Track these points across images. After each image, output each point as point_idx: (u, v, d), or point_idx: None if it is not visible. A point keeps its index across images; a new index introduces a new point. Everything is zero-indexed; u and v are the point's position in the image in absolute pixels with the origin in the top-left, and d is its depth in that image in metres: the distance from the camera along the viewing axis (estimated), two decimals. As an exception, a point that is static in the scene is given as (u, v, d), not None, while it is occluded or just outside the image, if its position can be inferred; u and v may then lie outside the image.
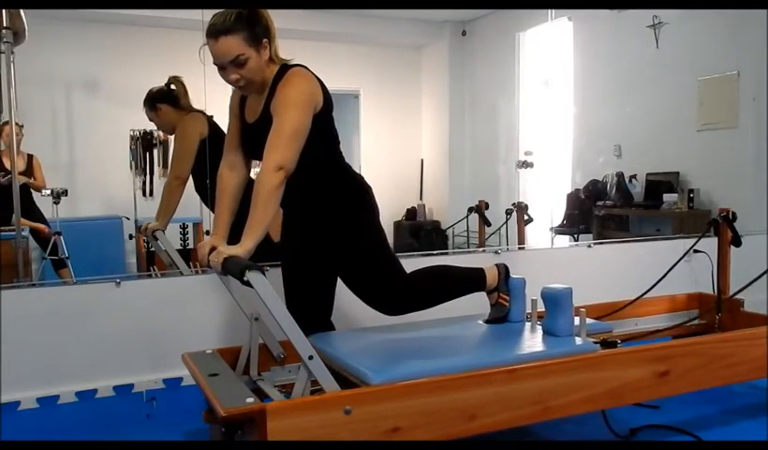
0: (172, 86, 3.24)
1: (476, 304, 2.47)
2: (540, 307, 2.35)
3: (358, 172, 2.31)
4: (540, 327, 2.33)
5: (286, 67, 2.10)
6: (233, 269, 1.80)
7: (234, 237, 2.05)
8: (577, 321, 2.28)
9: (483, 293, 2.44)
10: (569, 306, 2.27)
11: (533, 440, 2.31)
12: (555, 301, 2.27)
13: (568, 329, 2.25)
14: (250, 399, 1.75)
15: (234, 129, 2.25)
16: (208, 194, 2.99)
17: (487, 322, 2.45)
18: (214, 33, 2.01)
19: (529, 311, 2.42)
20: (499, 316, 2.43)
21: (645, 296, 2.96)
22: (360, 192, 2.26)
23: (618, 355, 2.14)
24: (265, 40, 2.06)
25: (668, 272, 2.94)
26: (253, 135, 2.15)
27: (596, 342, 2.24)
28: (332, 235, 2.23)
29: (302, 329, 2.15)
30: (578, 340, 2.21)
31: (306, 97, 2.02)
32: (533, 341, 2.23)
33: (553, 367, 2.02)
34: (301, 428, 1.70)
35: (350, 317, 2.65)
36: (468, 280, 2.41)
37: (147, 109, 3.26)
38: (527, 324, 2.40)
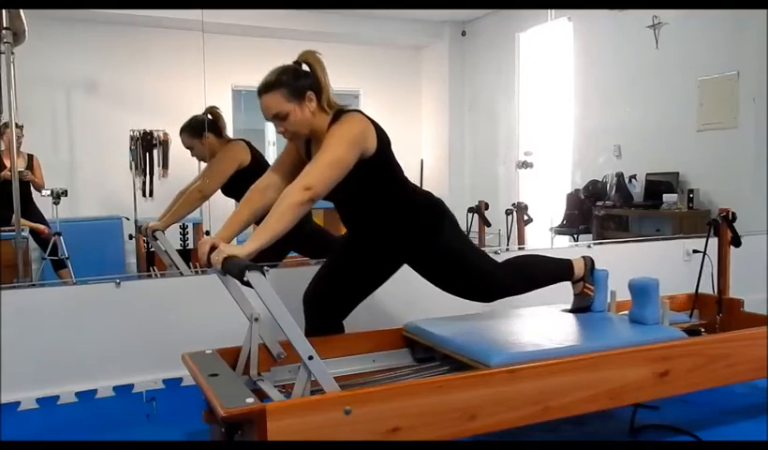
0: (209, 116, 3.27)
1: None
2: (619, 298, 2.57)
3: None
4: (626, 317, 2.47)
5: (341, 112, 2.17)
6: (233, 269, 1.80)
7: None
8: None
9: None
10: (657, 296, 2.39)
11: (533, 440, 2.31)
12: (644, 291, 2.39)
13: (655, 318, 2.39)
14: (250, 400, 1.75)
15: (286, 158, 2.29)
16: None
17: (571, 311, 2.57)
18: (258, 90, 2.14)
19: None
20: (583, 306, 2.56)
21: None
22: (432, 206, 2.36)
23: (618, 356, 2.14)
24: (310, 93, 2.13)
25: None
26: None
27: (683, 330, 2.38)
28: (411, 248, 2.34)
29: (314, 321, 2.20)
30: (666, 328, 2.34)
31: (353, 136, 2.09)
32: (625, 329, 2.37)
33: (552, 367, 2.02)
34: (301, 429, 1.69)
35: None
36: (558, 270, 2.54)
37: (189, 136, 3.26)
38: (612, 314, 2.55)
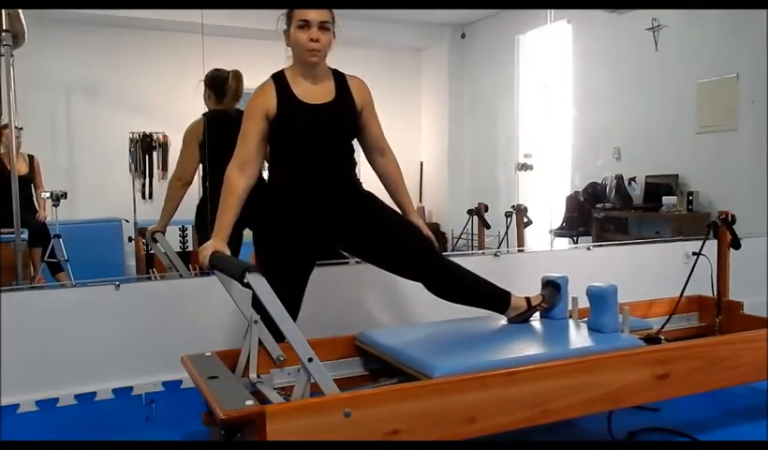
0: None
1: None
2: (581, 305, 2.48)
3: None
4: (585, 325, 2.41)
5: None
6: (233, 270, 1.79)
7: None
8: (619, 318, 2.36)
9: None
10: (614, 303, 2.35)
11: (532, 440, 2.31)
12: (601, 298, 2.34)
13: (613, 326, 2.33)
14: (249, 402, 1.75)
15: (256, 132, 2.24)
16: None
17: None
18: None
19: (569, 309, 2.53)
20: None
21: (643, 300, 2.98)
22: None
23: (618, 358, 2.14)
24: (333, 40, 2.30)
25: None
26: (326, 116, 2.30)
27: (640, 338, 2.31)
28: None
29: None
30: (623, 336, 2.29)
31: None
32: (581, 338, 2.31)
33: (551, 369, 2.02)
34: (300, 431, 1.69)
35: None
36: None
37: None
38: (571, 321, 2.49)
